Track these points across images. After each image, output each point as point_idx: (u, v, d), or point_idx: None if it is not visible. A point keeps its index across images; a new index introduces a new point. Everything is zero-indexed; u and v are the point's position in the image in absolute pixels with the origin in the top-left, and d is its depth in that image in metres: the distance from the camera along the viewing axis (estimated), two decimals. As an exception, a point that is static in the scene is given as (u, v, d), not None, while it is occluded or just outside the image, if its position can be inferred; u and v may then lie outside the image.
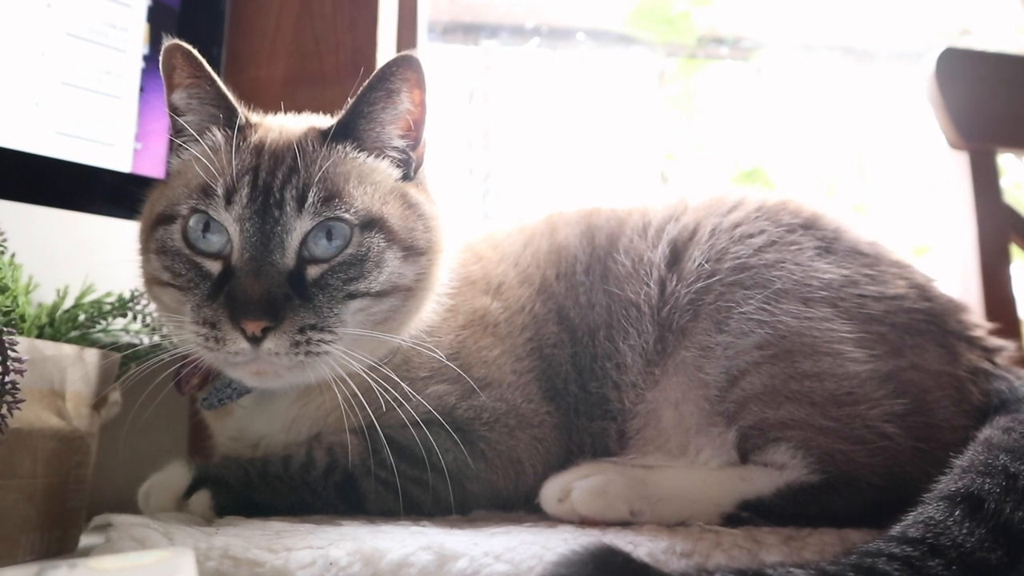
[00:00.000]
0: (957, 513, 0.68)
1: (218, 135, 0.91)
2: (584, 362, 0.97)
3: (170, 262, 0.88)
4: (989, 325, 1.01)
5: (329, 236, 0.86)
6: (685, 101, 2.46)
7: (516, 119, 2.39)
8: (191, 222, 0.87)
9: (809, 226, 0.97)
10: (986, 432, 0.81)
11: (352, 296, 0.85)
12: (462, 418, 0.91)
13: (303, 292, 0.84)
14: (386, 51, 1.52)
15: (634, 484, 0.83)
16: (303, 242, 0.85)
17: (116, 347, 1.12)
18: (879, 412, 0.84)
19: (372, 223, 0.87)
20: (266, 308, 0.80)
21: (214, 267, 0.86)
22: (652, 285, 0.93)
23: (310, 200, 0.85)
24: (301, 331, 0.82)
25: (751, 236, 0.93)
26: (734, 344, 0.87)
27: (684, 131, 2.51)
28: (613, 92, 2.44)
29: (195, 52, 0.90)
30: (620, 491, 0.82)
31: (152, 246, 0.90)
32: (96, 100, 1.17)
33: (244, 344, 0.81)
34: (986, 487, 0.70)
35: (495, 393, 0.92)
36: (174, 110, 0.93)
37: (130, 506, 1.22)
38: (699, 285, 0.90)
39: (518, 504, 0.92)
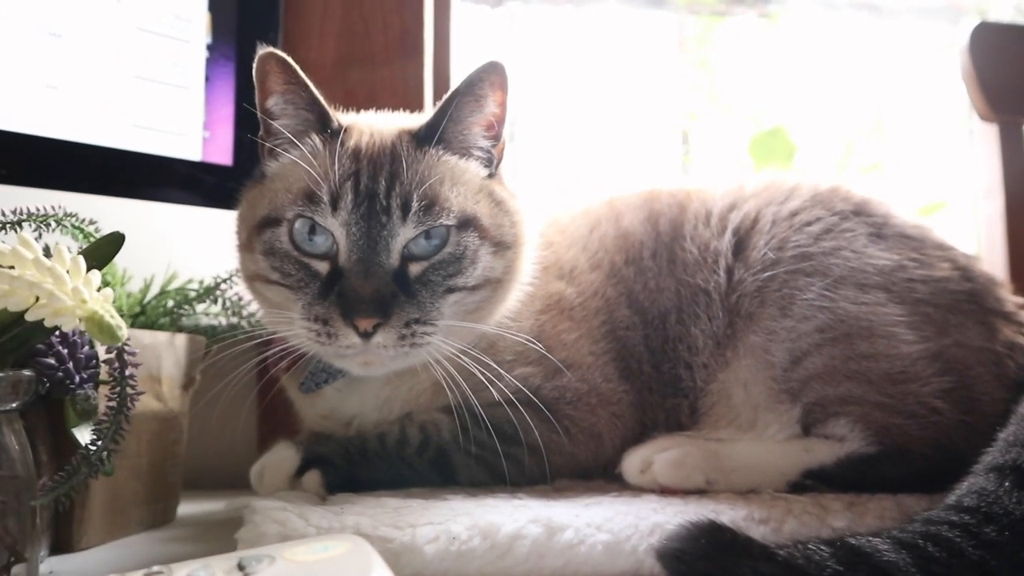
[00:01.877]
0: (1006, 484, 0.76)
1: (316, 140, 0.96)
2: (656, 344, 1.04)
3: (279, 263, 0.94)
4: (1022, 300, 1.08)
5: (427, 235, 0.92)
6: (708, 60, 2.49)
7: (541, 83, 2.42)
8: (296, 225, 0.93)
9: (860, 212, 1.03)
10: (1026, 407, 0.88)
11: (451, 291, 0.92)
12: (547, 397, 0.98)
13: (407, 289, 0.90)
14: (429, 28, 1.55)
15: (709, 456, 0.91)
16: (406, 245, 0.91)
17: (199, 330, 1.20)
18: (930, 389, 0.92)
19: (467, 223, 0.94)
20: (377, 306, 0.87)
21: (322, 267, 0.92)
22: (721, 273, 1.00)
23: (414, 209, 0.91)
24: (407, 325, 0.89)
25: (809, 224, 1.00)
26: (797, 328, 0.95)
27: (707, 90, 2.54)
28: (637, 51, 2.46)
29: (289, 59, 0.95)
30: (697, 463, 0.90)
31: (258, 247, 0.96)
32: (166, 92, 1.21)
33: (356, 339, 0.88)
34: None
35: (576, 374, 1.00)
36: (268, 114, 0.98)
37: (205, 474, 1.30)
38: (766, 275, 0.97)
39: (596, 473, 1.00)
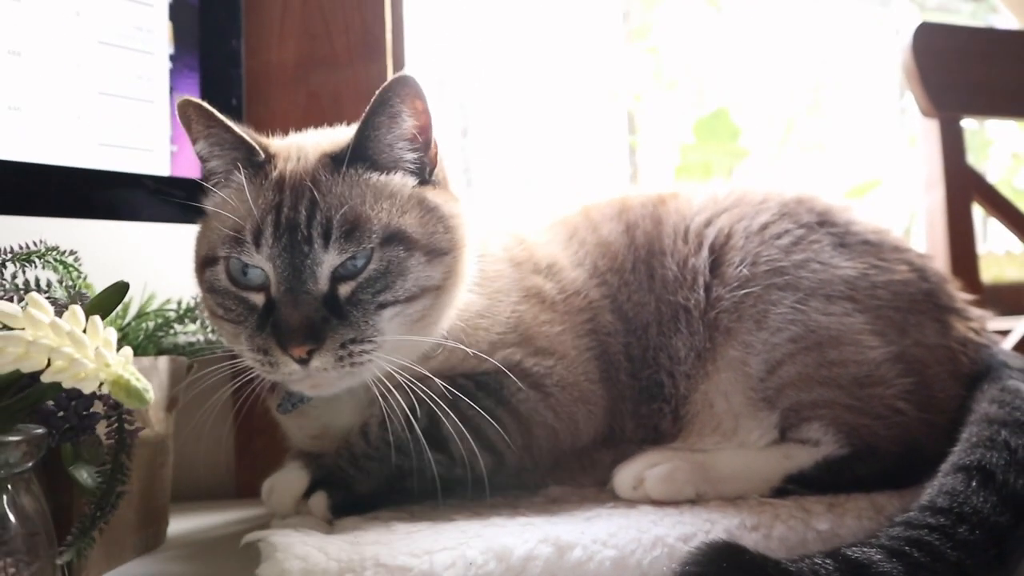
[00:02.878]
0: (973, 484, 0.83)
1: (240, 177, 0.96)
2: (636, 352, 1.09)
3: (221, 299, 0.96)
4: (971, 296, 1.17)
5: (353, 256, 0.92)
6: (654, 46, 2.52)
7: (487, 69, 2.41)
8: (230, 264, 0.94)
9: (824, 222, 1.10)
10: (983, 407, 0.96)
11: (383, 306, 0.93)
12: (531, 370, 1.01)
13: (338, 311, 0.91)
14: (390, 27, 1.54)
15: (697, 469, 0.97)
16: (332, 269, 0.92)
17: (178, 348, 1.19)
18: (894, 391, 1.00)
19: (391, 237, 0.94)
20: (307, 333, 0.89)
21: (258, 299, 0.94)
22: (700, 292, 1.05)
23: (335, 236, 0.91)
24: (343, 346, 0.90)
25: (778, 237, 1.06)
26: (771, 340, 1.01)
27: (653, 73, 2.58)
28: (579, 32, 2.48)
29: (205, 105, 0.95)
30: (686, 476, 0.96)
31: (204, 286, 0.98)
32: (132, 107, 1.18)
33: (295, 366, 0.90)
34: (993, 460, 0.86)
35: (560, 363, 1.03)
36: (200, 157, 1.00)
37: (183, 485, 1.30)
38: (742, 292, 1.02)
39: (571, 458, 1.06)
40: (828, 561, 0.71)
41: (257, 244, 0.92)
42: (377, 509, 0.95)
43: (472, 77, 2.35)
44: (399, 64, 1.56)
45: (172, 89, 1.23)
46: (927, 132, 1.61)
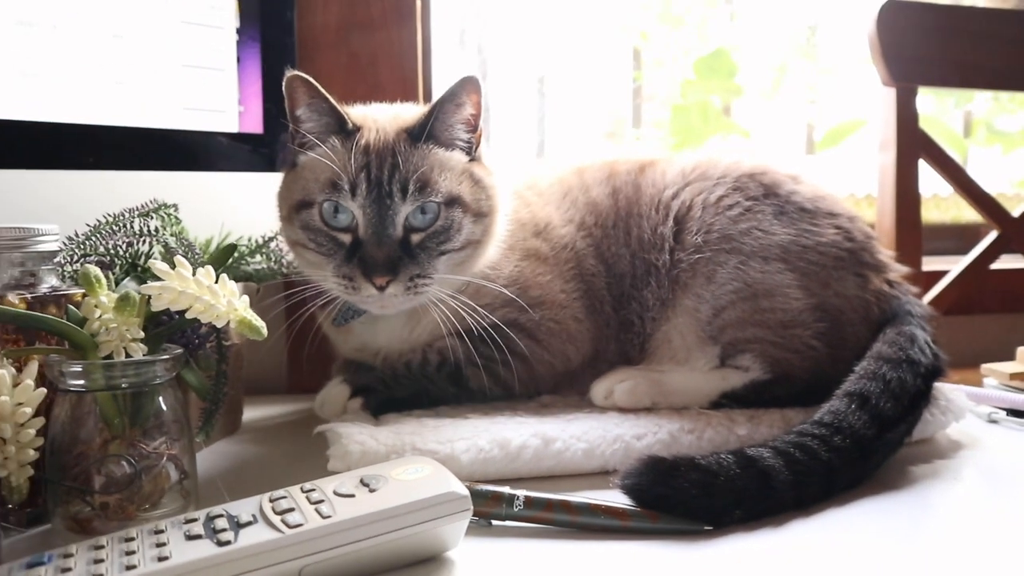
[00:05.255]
0: (853, 406, 1.11)
1: (336, 140, 1.24)
2: (616, 293, 1.37)
3: (313, 236, 1.24)
4: (892, 253, 1.43)
5: (423, 211, 1.22)
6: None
7: (497, 11, 2.58)
8: (324, 206, 1.23)
9: (768, 194, 1.35)
10: (878, 346, 1.24)
11: (443, 253, 1.24)
12: (526, 325, 1.31)
13: (410, 253, 1.21)
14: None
15: (654, 384, 1.26)
16: (407, 218, 1.20)
17: (248, 275, 1.47)
18: (810, 332, 1.27)
19: (453, 201, 1.24)
20: (388, 267, 1.18)
21: (345, 238, 1.23)
22: (666, 254, 1.33)
23: (411, 191, 1.21)
24: (411, 279, 1.20)
25: (729, 208, 1.32)
26: (717, 291, 1.29)
27: (656, 10, 2.75)
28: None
29: (310, 79, 1.21)
30: (645, 390, 1.26)
31: (297, 223, 1.26)
32: (207, 75, 1.42)
33: (373, 291, 1.19)
34: (871, 388, 1.13)
35: (550, 310, 1.32)
36: (296, 120, 1.26)
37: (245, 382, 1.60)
38: (697, 256, 1.30)
39: (565, 380, 1.37)
40: (730, 456, 0.99)
41: (353, 193, 1.20)
42: (400, 411, 1.26)
43: (489, 22, 2.53)
44: (427, 26, 1.78)
45: (239, 59, 1.47)
46: (884, 99, 1.82)
